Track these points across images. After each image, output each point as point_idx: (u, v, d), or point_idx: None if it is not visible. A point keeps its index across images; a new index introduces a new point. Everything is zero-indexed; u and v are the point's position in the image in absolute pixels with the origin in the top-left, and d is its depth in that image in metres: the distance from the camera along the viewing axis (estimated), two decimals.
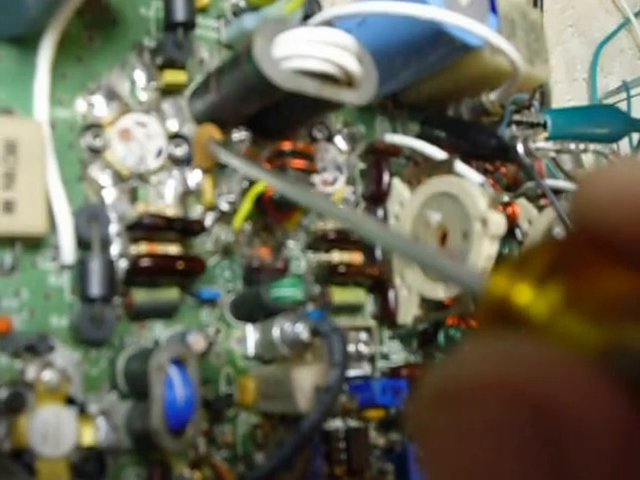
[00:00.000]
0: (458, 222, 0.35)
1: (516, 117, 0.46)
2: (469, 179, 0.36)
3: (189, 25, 0.34)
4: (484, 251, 0.34)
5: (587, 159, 0.54)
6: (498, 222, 0.34)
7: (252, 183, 0.33)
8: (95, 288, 0.30)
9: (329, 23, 0.34)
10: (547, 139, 0.47)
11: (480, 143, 0.39)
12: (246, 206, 0.33)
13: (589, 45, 0.69)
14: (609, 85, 0.68)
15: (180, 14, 0.34)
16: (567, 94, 0.66)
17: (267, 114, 0.33)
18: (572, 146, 0.45)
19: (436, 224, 0.36)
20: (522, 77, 0.38)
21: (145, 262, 0.31)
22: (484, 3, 0.36)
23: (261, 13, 0.35)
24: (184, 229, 0.32)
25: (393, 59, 0.36)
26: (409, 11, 0.33)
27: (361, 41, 0.34)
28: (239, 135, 0.34)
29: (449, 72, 0.38)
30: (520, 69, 0.36)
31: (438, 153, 0.38)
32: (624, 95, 0.64)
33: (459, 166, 0.37)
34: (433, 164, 0.38)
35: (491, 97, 0.39)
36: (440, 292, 0.36)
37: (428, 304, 0.37)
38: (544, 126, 0.47)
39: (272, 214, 0.34)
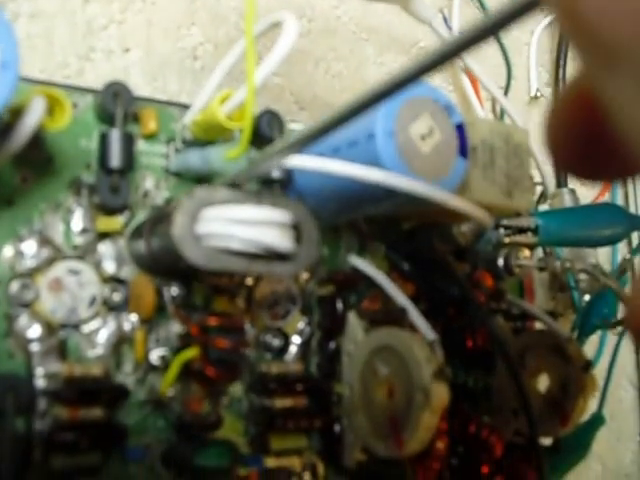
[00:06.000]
0: (403, 383, 0.33)
1: (504, 221, 0.43)
2: (421, 334, 0.34)
3: (125, 170, 0.32)
4: (424, 423, 0.32)
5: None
6: (441, 396, 0.32)
7: (182, 348, 0.32)
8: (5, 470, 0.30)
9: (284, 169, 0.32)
10: (535, 246, 0.44)
11: (440, 288, 0.36)
12: (172, 372, 0.31)
13: None
14: None
15: (115, 161, 0.32)
16: None
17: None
18: (557, 264, 0.42)
19: (384, 377, 0.34)
20: (497, 213, 0.35)
21: (66, 436, 0.30)
22: (452, 147, 0.33)
23: (205, 152, 0.33)
24: (108, 398, 0.31)
25: (344, 202, 0.33)
26: (354, 173, 0.30)
27: (309, 182, 0.32)
28: (169, 293, 0.32)
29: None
30: (485, 222, 0.33)
31: (397, 295, 0.35)
32: None
33: (413, 316, 0.34)
34: (388, 307, 0.35)
35: (462, 228, 0.36)
36: (381, 450, 0.34)
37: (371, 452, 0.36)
38: (535, 231, 0.43)
39: (198, 383, 0.32)
